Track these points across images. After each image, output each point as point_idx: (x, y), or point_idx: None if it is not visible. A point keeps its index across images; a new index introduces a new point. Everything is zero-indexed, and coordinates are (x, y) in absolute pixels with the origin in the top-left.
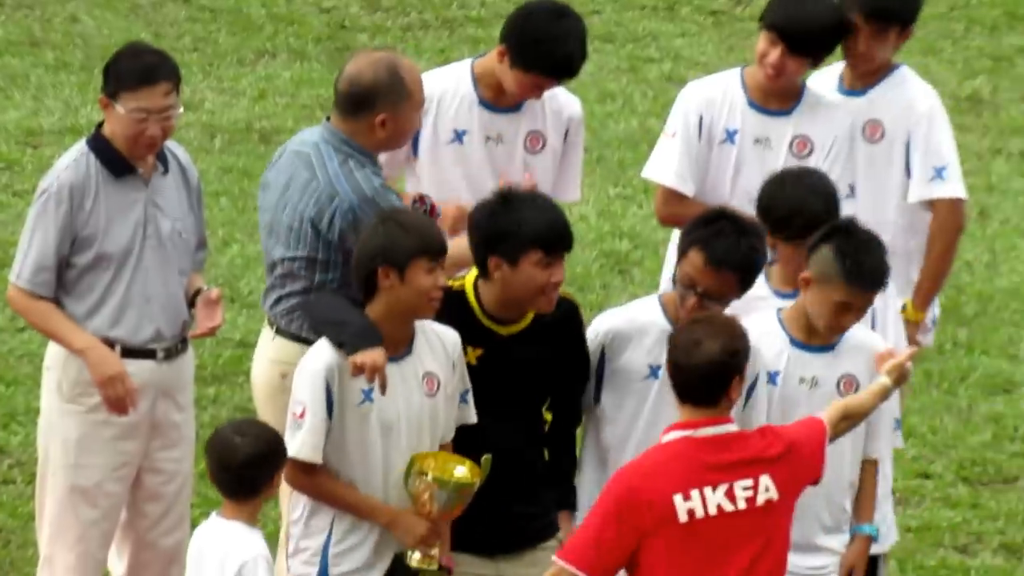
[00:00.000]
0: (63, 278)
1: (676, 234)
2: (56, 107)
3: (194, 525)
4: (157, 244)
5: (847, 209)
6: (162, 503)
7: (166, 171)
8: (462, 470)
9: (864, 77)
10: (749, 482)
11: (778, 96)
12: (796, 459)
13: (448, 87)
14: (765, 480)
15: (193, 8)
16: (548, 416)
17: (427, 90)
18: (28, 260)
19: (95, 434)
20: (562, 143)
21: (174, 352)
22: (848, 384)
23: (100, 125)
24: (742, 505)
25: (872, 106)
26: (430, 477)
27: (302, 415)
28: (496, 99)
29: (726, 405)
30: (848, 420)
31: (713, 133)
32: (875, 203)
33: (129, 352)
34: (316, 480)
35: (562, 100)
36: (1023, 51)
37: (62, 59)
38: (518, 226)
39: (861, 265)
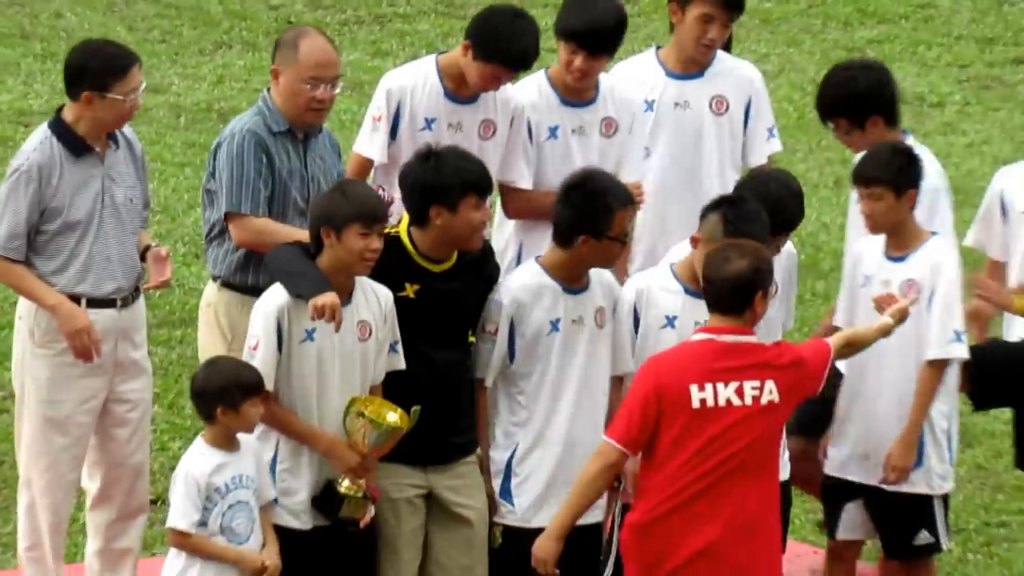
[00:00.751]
0: (34, 242)
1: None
2: (43, 91)
3: (163, 448)
4: (113, 211)
5: (640, 170)
6: (129, 427)
7: (117, 147)
8: (394, 416)
9: (699, 62)
10: (757, 383)
11: (582, 91)
12: (801, 372)
13: (418, 80)
14: (770, 384)
15: (160, 5)
16: (472, 339)
17: (399, 82)
18: (1, 230)
19: (64, 373)
20: (508, 129)
21: (130, 300)
22: None
23: (59, 111)
24: (748, 402)
25: (714, 83)
26: (366, 418)
27: (256, 347)
28: (457, 90)
29: (750, 317)
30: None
31: (540, 132)
32: (721, 169)
33: (93, 303)
34: (266, 406)
35: (509, 92)
36: (872, 42)
37: (48, 49)
38: (454, 177)
39: (741, 232)
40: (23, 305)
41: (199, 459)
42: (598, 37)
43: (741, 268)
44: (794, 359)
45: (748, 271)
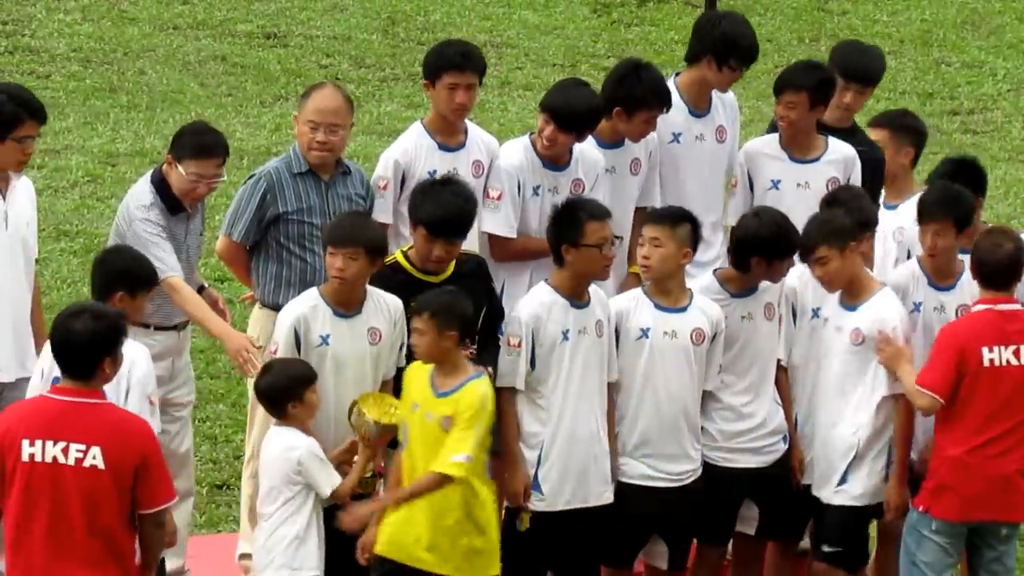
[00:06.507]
0: None
1: None
2: (128, 136)
3: (228, 441)
4: (187, 259)
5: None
6: (177, 424)
7: (196, 213)
8: (393, 410)
9: (617, 133)
10: None
11: (557, 157)
12: None
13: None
14: None
15: (228, 64)
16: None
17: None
18: None
19: None
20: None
21: (182, 327)
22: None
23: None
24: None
25: (628, 149)
26: (367, 417)
27: (275, 351)
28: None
29: (1013, 289)
30: None
31: (525, 191)
32: (628, 220)
33: (160, 328)
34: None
35: (487, 139)
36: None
37: (132, 102)
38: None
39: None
40: None
41: (304, 440)
42: (569, 115)
43: (1010, 250)
44: None
45: (1016, 252)
